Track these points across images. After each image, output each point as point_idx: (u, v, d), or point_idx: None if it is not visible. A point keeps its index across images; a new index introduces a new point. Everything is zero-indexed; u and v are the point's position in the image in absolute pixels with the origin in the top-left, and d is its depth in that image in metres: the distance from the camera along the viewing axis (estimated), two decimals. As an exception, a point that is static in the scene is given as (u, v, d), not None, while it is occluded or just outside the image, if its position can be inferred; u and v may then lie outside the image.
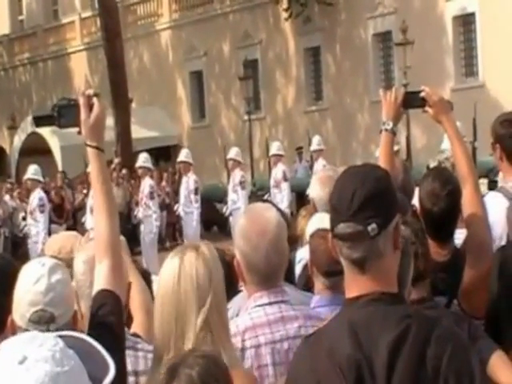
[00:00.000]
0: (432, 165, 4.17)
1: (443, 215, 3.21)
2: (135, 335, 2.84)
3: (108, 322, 2.39)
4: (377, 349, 1.90)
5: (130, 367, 2.64)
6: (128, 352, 2.65)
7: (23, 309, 2.32)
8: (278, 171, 14.91)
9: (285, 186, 14.63)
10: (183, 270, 2.38)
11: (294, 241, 3.84)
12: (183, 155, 14.49)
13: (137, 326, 2.93)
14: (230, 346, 2.38)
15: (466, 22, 21.77)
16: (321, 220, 3.06)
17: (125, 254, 3.11)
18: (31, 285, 2.34)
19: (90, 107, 2.59)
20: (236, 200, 14.17)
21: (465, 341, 2.01)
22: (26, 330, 2.30)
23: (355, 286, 1.99)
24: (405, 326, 1.92)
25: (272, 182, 14.99)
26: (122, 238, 2.92)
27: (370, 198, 1.96)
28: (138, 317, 2.97)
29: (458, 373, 1.90)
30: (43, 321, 2.31)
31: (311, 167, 16.36)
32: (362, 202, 1.96)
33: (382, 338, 1.91)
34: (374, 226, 1.95)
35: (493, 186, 3.97)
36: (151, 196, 14.08)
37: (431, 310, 2.75)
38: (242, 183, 14.16)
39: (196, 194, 13.98)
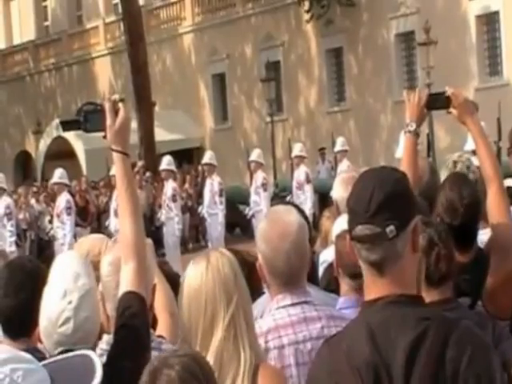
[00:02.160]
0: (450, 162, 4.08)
1: (462, 227, 3.17)
2: (160, 337, 2.86)
3: (133, 324, 2.41)
4: (394, 351, 1.90)
5: None
6: (153, 353, 2.68)
7: (49, 344, 2.27)
8: (301, 173, 14.90)
9: (308, 187, 14.62)
10: (211, 268, 2.44)
11: (313, 243, 3.83)
12: (207, 157, 14.54)
13: (161, 328, 2.95)
14: (255, 344, 2.40)
15: (489, 20, 21.61)
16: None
17: (151, 256, 3.14)
18: (57, 326, 2.24)
19: (116, 112, 2.63)
20: (258, 202, 14.19)
21: (485, 342, 1.99)
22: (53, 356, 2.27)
23: (374, 288, 1.99)
24: (423, 328, 1.91)
25: (294, 184, 14.98)
26: (149, 240, 2.96)
27: (387, 199, 1.97)
28: (163, 319, 2.99)
29: (477, 375, 1.89)
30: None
31: (333, 168, 16.34)
32: (379, 203, 1.96)
33: (400, 340, 1.91)
34: (392, 227, 1.95)
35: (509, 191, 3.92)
36: (174, 199, 14.15)
37: (454, 311, 2.74)
38: (264, 185, 14.18)
39: (221, 195, 14.03)
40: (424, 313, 1.97)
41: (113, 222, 13.53)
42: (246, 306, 2.41)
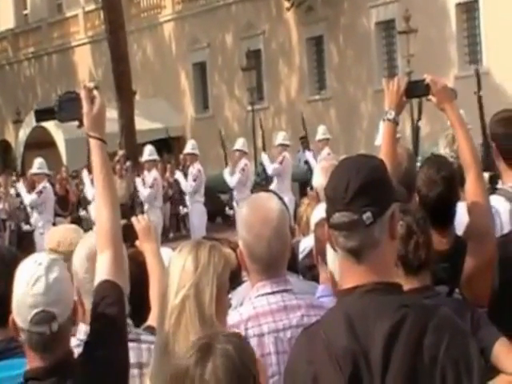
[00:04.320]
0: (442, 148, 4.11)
1: (439, 199, 3.20)
2: (151, 328, 2.84)
3: (110, 313, 2.40)
4: (373, 339, 1.90)
5: (133, 359, 2.67)
6: (132, 344, 2.67)
7: (24, 312, 2.28)
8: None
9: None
10: (177, 256, 2.46)
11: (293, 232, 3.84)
12: (189, 147, 14.50)
13: (154, 319, 2.93)
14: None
15: (469, 8, 21.68)
16: (326, 209, 3.05)
17: (155, 241, 3.14)
18: (29, 287, 2.28)
19: (91, 100, 2.61)
20: (241, 190, 14.20)
21: (463, 329, 1.99)
22: (29, 330, 2.28)
23: (351, 276, 1.99)
24: (401, 316, 1.92)
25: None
26: (154, 225, 2.97)
27: (364, 186, 1.97)
28: (156, 310, 2.97)
29: (455, 361, 1.89)
30: (45, 321, 2.27)
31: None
32: (356, 190, 1.96)
33: (378, 328, 1.91)
34: (368, 214, 1.95)
35: (493, 179, 3.94)
36: (150, 186, 14.21)
37: (433, 298, 2.76)
38: (243, 170, 14.20)
39: (194, 180, 14.03)
40: (402, 300, 1.98)
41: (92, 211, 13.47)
42: (203, 297, 2.39)
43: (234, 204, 14.28)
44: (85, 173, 14.00)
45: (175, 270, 2.43)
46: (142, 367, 2.68)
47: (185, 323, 2.36)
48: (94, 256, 2.64)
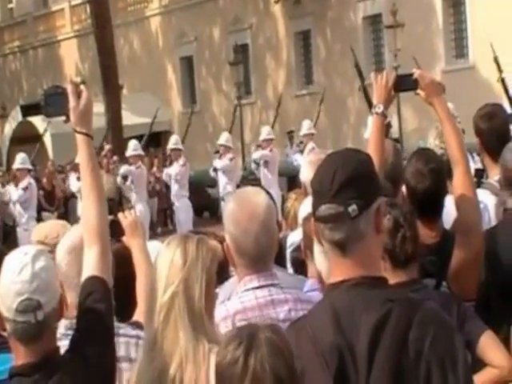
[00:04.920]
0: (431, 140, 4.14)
1: (427, 192, 3.21)
2: (137, 323, 2.84)
3: (97, 309, 2.39)
4: (358, 334, 1.90)
5: (123, 353, 2.66)
6: (123, 339, 2.66)
7: (9, 300, 2.29)
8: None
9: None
10: (165, 250, 2.45)
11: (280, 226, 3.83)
12: (172, 142, 14.49)
13: (140, 314, 2.92)
14: (205, 330, 2.38)
15: (456, 3, 21.73)
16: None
17: (142, 237, 3.13)
18: (16, 275, 2.29)
19: (78, 95, 2.60)
20: (225, 183, 14.24)
21: (449, 323, 1.99)
22: (14, 320, 2.28)
23: (338, 270, 1.99)
24: (386, 310, 1.92)
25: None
26: (141, 220, 2.96)
27: (350, 179, 1.97)
28: (143, 305, 2.96)
29: (440, 356, 1.89)
30: (30, 309, 2.28)
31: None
32: (342, 183, 1.96)
33: (364, 322, 1.91)
34: (354, 206, 1.95)
35: (478, 173, 3.96)
36: (136, 167, 14.35)
37: (420, 292, 2.76)
38: (231, 159, 14.25)
39: (183, 165, 14.15)
40: (388, 294, 1.98)
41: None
42: (193, 293, 2.38)
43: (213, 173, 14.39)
44: (72, 177, 14.02)
45: (163, 264, 2.42)
46: (118, 361, 2.66)
47: (174, 319, 2.36)
48: (76, 249, 2.63)
